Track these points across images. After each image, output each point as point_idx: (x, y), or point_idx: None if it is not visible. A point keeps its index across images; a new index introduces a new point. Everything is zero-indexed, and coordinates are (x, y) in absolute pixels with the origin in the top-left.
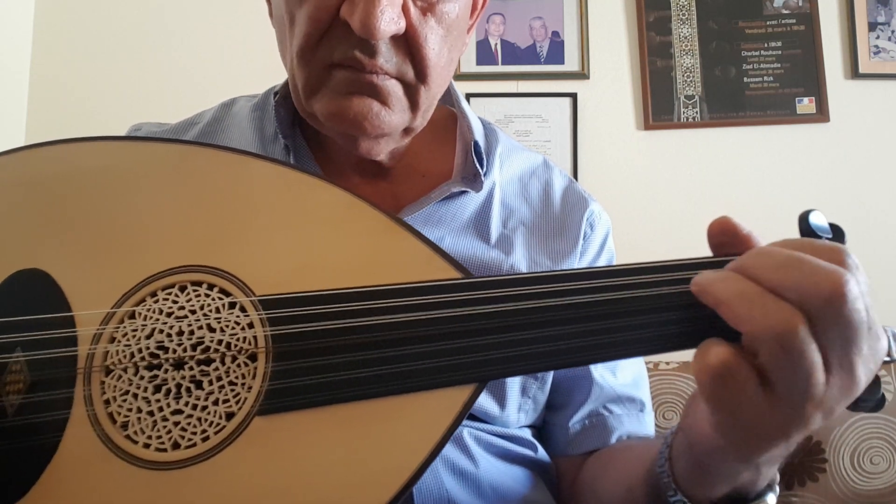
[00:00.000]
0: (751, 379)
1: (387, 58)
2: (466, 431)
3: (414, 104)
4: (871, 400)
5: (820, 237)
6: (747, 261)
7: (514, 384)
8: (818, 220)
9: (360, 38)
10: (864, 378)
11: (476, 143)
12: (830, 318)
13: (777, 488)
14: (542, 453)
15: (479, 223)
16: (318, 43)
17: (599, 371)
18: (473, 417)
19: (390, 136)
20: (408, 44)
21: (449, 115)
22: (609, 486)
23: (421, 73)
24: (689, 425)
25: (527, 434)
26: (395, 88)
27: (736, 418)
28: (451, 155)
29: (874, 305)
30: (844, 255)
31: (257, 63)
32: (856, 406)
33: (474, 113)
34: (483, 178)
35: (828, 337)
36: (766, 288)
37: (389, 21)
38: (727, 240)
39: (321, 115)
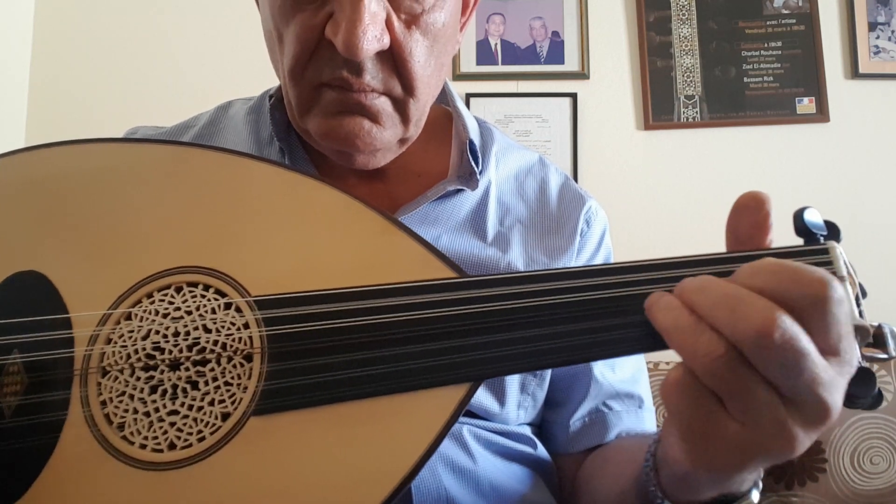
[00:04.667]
0: (706, 395)
1: (373, 74)
2: (466, 429)
3: (404, 117)
4: (867, 397)
5: (815, 234)
6: (691, 295)
7: (513, 381)
8: (813, 217)
9: (345, 57)
10: (835, 400)
11: (471, 142)
12: (764, 354)
13: (760, 484)
14: (541, 450)
15: (476, 221)
16: (307, 63)
17: (599, 368)
18: (473, 415)
19: (385, 149)
20: (393, 58)
21: (444, 114)
22: (604, 488)
23: (408, 87)
24: (665, 449)
25: (526, 431)
26: (384, 105)
27: (701, 439)
28: (447, 154)
29: (864, 310)
30: (825, 286)
31: (254, 65)
32: (852, 404)
33: (470, 112)
34: (479, 177)
35: (769, 370)
36: (706, 322)
37: (372, 39)
38: (753, 205)
39: (315, 134)
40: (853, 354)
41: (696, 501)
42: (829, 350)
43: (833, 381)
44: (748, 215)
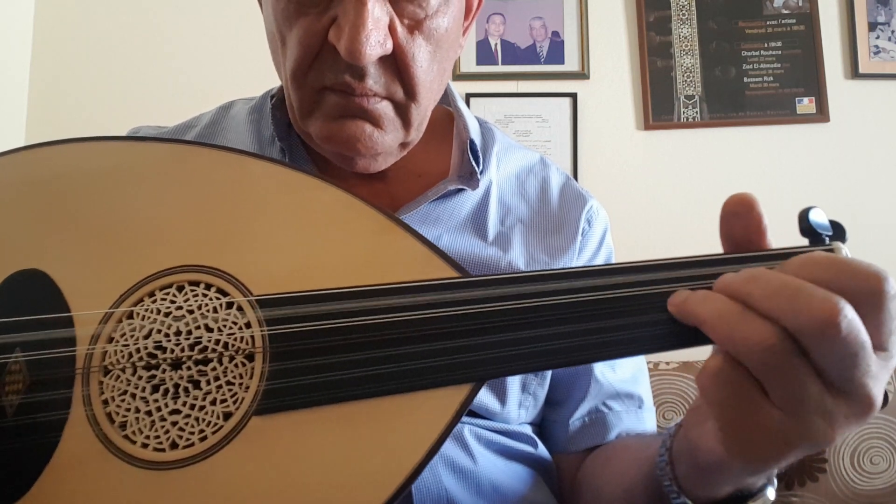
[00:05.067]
0: (748, 383)
1: (375, 79)
2: (467, 429)
3: (406, 122)
4: None
5: (820, 234)
6: (742, 285)
7: (514, 380)
8: (818, 217)
9: (348, 62)
10: (878, 394)
11: (472, 142)
12: (826, 345)
13: (775, 481)
14: (542, 449)
15: (477, 221)
16: (309, 67)
17: (599, 367)
18: (474, 414)
19: (386, 153)
20: (396, 63)
21: (446, 114)
22: (607, 487)
23: (410, 92)
24: (694, 438)
25: (527, 430)
26: (386, 110)
27: (742, 428)
28: (448, 154)
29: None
30: (882, 281)
31: (255, 66)
32: None
33: (471, 112)
34: (479, 177)
35: (826, 360)
36: (759, 313)
37: (375, 44)
38: (741, 210)
39: (316, 137)
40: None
41: (713, 498)
42: (880, 345)
43: (879, 374)
44: (739, 220)
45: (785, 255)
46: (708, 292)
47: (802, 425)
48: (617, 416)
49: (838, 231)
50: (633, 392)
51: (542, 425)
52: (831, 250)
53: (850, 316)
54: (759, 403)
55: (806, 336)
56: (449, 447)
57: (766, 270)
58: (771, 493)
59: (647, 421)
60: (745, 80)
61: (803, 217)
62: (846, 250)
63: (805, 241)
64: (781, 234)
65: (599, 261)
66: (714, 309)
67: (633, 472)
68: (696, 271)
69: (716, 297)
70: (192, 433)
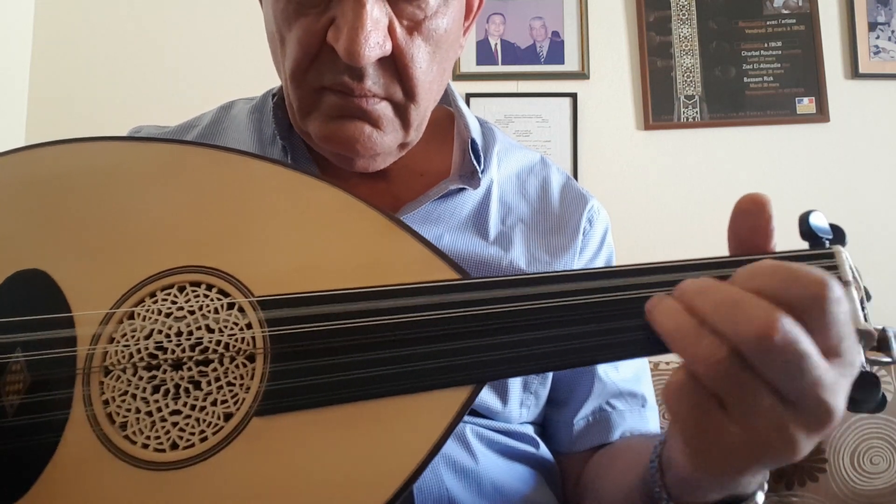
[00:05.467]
0: (706, 398)
1: (374, 80)
2: (469, 428)
3: (405, 122)
4: (871, 402)
5: (820, 238)
6: (692, 298)
7: (515, 380)
8: (818, 221)
9: (347, 63)
10: (837, 403)
11: (473, 141)
12: (766, 357)
13: (766, 486)
14: (543, 450)
15: (478, 220)
16: (308, 67)
17: (602, 367)
18: (476, 413)
19: (385, 153)
20: (395, 64)
21: (446, 114)
22: (611, 488)
23: (409, 93)
24: (669, 450)
25: (529, 430)
26: (385, 110)
27: (703, 442)
28: (449, 154)
29: (863, 313)
30: (824, 286)
31: (255, 66)
32: (857, 407)
33: (471, 112)
34: (481, 176)
35: (771, 373)
36: (707, 324)
37: (374, 46)
38: (753, 209)
39: (315, 137)
40: (855, 356)
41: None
42: (831, 351)
43: (836, 383)
44: (749, 219)
45: (785, 258)
46: (671, 302)
47: (760, 440)
48: (620, 416)
49: (838, 234)
50: (636, 391)
51: (545, 426)
52: (831, 254)
53: (785, 327)
54: (717, 418)
55: (746, 350)
56: (451, 447)
57: (714, 282)
58: (760, 497)
59: (650, 420)
60: (745, 80)
61: (803, 220)
62: (846, 254)
63: (805, 245)
64: (781, 234)
65: (600, 261)
66: (672, 323)
67: (632, 475)
68: (697, 275)
69: (675, 308)
70: (193, 434)
